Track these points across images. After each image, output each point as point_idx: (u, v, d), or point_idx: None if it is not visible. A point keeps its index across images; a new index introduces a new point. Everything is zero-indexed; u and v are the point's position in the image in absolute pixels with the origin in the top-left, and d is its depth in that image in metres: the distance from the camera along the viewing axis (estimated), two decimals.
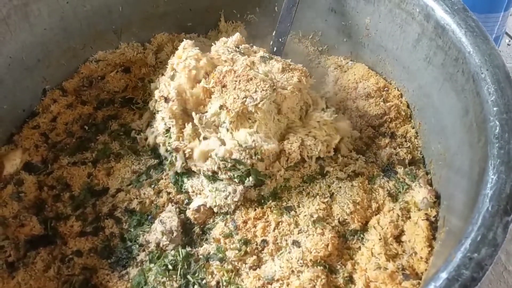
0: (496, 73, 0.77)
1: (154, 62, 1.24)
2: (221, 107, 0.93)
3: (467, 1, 0.91)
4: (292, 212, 0.92)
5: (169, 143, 0.98)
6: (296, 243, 0.87)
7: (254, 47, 1.06)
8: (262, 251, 0.88)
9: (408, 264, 0.84)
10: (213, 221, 0.93)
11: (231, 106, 0.91)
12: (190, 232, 0.92)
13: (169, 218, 0.91)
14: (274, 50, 1.13)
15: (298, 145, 0.95)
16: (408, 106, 1.09)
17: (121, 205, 0.95)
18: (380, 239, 0.87)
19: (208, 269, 0.85)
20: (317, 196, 0.93)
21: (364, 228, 0.90)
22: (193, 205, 0.94)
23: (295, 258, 0.85)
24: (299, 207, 0.92)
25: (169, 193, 0.97)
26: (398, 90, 1.11)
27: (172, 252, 0.87)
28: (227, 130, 0.94)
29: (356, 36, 1.16)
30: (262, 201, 0.94)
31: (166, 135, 1.00)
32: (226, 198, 0.92)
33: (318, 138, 0.98)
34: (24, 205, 0.95)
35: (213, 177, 0.95)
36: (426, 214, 0.90)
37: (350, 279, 0.84)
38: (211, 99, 0.96)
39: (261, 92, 0.92)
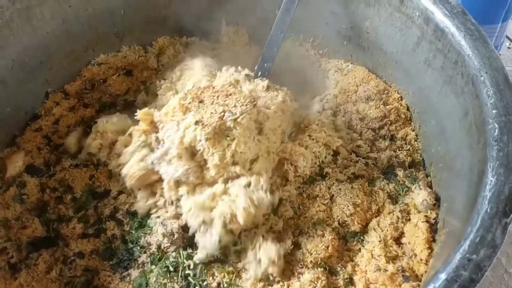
0: (495, 76, 0.77)
1: (156, 66, 1.25)
2: (197, 122, 0.86)
3: None
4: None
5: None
6: (296, 245, 0.87)
7: (239, 67, 1.05)
8: None
9: (408, 266, 0.84)
10: None
11: (207, 121, 0.85)
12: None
13: (170, 220, 0.91)
14: (259, 75, 1.07)
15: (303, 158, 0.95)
16: (408, 109, 1.09)
17: (123, 207, 0.96)
18: (380, 241, 0.87)
19: (209, 271, 0.85)
20: (317, 198, 0.93)
21: (364, 230, 0.91)
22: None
23: (296, 259, 0.85)
24: (299, 208, 0.92)
25: None
26: (398, 93, 1.11)
27: (173, 254, 0.88)
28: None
29: (356, 40, 1.16)
30: None
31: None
32: None
33: (320, 141, 0.98)
34: (26, 207, 0.96)
35: None
36: (426, 216, 0.90)
37: (350, 281, 0.84)
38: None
39: (240, 107, 0.87)
